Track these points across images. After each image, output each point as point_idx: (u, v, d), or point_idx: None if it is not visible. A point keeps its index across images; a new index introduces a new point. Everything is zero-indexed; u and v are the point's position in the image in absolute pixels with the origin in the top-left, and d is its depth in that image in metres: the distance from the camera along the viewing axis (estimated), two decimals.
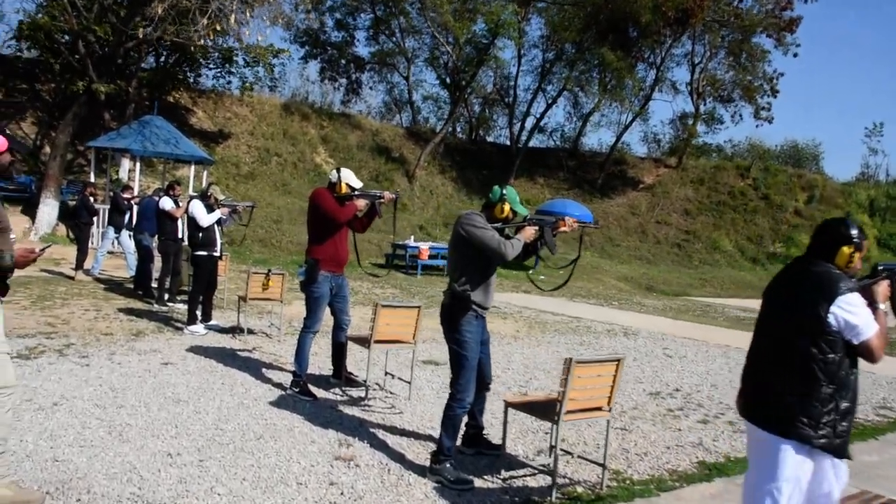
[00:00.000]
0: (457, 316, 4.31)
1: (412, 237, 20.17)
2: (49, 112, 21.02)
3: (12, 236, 3.45)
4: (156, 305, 9.96)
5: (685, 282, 25.50)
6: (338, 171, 5.83)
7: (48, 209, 16.94)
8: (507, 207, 4.45)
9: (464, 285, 4.32)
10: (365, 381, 6.06)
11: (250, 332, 8.49)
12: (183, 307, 9.54)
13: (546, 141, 37.55)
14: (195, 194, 8.67)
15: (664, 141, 40.39)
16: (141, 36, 16.16)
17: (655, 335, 11.71)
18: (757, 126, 66.56)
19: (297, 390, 5.78)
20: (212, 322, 8.60)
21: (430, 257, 18.77)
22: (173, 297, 10.22)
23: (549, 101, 33.56)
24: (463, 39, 29.05)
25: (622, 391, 7.24)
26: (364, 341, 5.83)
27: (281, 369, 6.77)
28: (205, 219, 8.10)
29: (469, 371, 4.31)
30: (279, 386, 6.08)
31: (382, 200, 5.86)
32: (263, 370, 6.65)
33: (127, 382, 5.76)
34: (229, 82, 24.65)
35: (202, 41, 17.16)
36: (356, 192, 5.80)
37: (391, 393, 6.25)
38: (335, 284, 5.87)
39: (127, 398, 5.31)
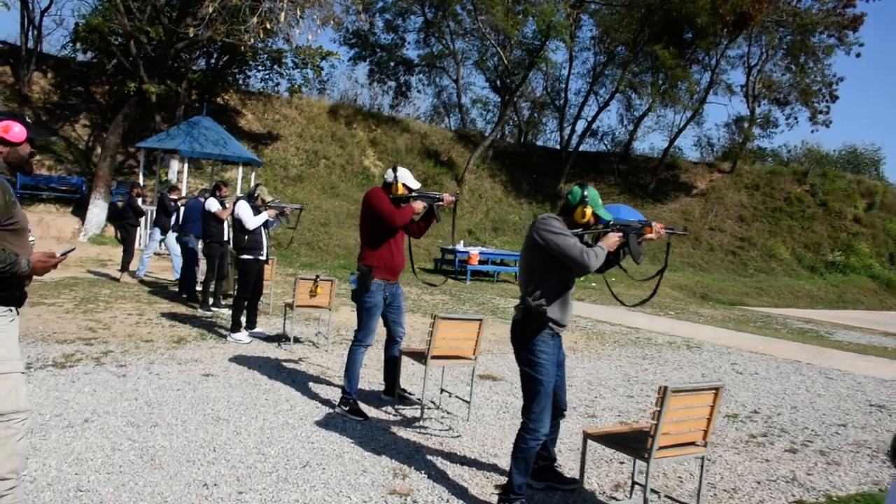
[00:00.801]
0: (531, 334, 3.78)
1: (462, 242, 19.66)
2: (102, 114, 21.12)
3: (31, 239, 3.02)
4: (200, 310, 9.63)
5: (741, 290, 24.57)
6: (394, 170, 5.33)
7: (97, 210, 16.91)
8: (588, 211, 3.88)
9: (539, 299, 3.78)
10: (420, 400, 5.55)
11: (296, 340, 8.06)
12: (227, 312, 9.18)
13: (597, 145, 36.78)
14: (242, 195, 8.27)
15: (718, 145, 39.30)
16: (191, 35, 15.99)
17: (719, 348, 11.00)
18: (813, 131, 64.40)
19: (346, 409, 5.29)
20: (256, 329, 8.20)
21: (481, 263, 18.26)
22: (218, 301, 9.88)
23: (602, 104, 32.78)
24: (514, 41, 28.53)
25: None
26: (420, 356, 5.32)
27: (329, 383, 6.30)
28: (251, 221, 7.70)
29: (544, 398, 3.77)
30: (327, 403, 5.61)
31: (442, 203, 5.35)
32: (310, 384, 6.19)
33: (164, 396, 5.35)
34: (278, 84, 24.59)
35: (252, 41, 16.94)
36: (414, 194, 5.30)
37: (447, 413, 5.72)
38: (389, 294, 5.37)
39: (163, 415, 4.89)
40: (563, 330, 3.93)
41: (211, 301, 9.77)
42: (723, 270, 28.14)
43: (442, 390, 6.05)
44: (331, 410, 5.37)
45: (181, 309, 9.69)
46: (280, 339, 8.14)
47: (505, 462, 4.64)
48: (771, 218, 31.67)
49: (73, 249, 3.31)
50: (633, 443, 3.69)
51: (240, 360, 6.87)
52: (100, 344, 6.99)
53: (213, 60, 23.37)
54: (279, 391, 5.82)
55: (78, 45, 21.89)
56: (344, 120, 27.42)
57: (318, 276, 7.57)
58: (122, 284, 11.42)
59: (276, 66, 23.42)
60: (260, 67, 23.85)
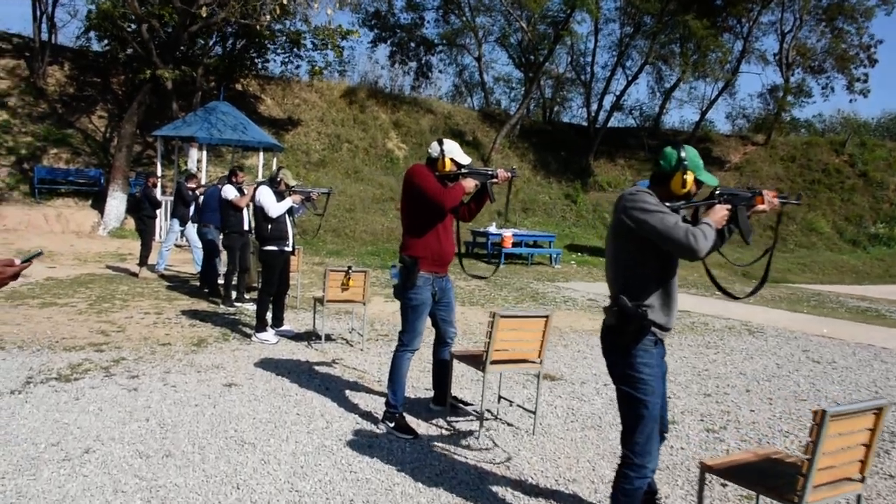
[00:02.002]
0: (629, 344, 2.95)
1: (494, 224, 18.79)
2: (119, 104, 20.49)
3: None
4: (222, 306, 8.91)
5: (783, 267, 23.52)
6: (440, 143, 4.49)
7: (116, 202, 16.29)
8: (689, 178, 3.02)
9: (636, 298, 2.95)
10: (478, 412, 4.76)
11: (328, 338, 7.28)
12: (252, 308, 8.46)
13: (625, 120, 35.58)
14: (263, 180, 7.45)
15: (752, 116, 37.89)
16: (204, 15, 15.20)
17: (783, 332, 10.11)
18: (851, 101, 62.29)
19: (392, 426, 4.50)
20: (284, 327, 7.44)
21: (514, 245, 17.38)
22: (241, 296, 9.16)
23: (630, 77, 31.58)
24: (538, 14, 27.48)
25: (790, 415, 5.76)
26: (476, 361, 4.52)
27: (368, 390, 5.52)
28: (274, 208, 6.90)
29: (650, 422, 2.95)
30: (368, 416, 4.83)
31: (496, 180, 4.51)
32: (347, 393, 5.41)
33: (180, 415, 4.60)
34: (298, 67, 23.87)
35: (268, 18, 16.13)
36: (464, 170, 4.48)
37: (508, 424, 4.92)
38: (438, 288, 4.55)
39: (178, 440, 4.14)
40: (668, 334, 3.11)
41: (234, 295, 9.05)
42: (762, 246, 26.96)
43: (500, 398, 5.25)
44: (373, 428, 4.59)
45: (202, 305, 8.98)
46: (310, 337, 7.38)
47: (586, 489, 3.84)
48: (809, 190, 30.47)
49: (39, 254, 2.56)
50: (770, 478, 2.86)
51: (266, 364, 6.11)
52: (112, 350, 6.27)
53: (229, 45, 22.63)
54: (312, 403, 5.04)
55: (92, 35, 21.36)
56: (365, 102, 26.60)
57: (349, 268, 6.76)
58: (141, 280, 10.76)
59: (294, 49, 22.63)
60: (279, 51, 23.08)
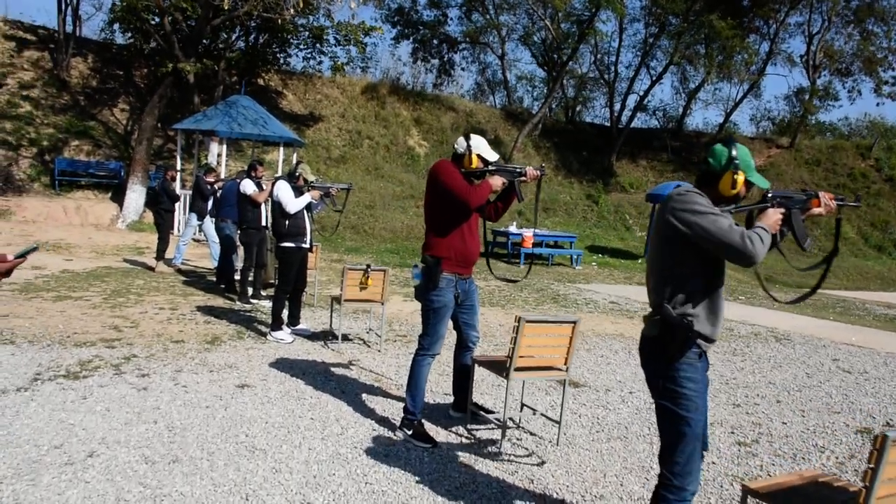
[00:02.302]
0: (673, 356, 2.73)
1: (514, 223, 18.55)
2: (140, 97, 20.47)
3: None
4: (238, 303, 8.76)
5: (807, 272, 23.08)
6: (466, 138, 4.28)
7: (135, 196, 16.23)
8: (740, 179, 2.84)
9: (682, 307, 2.73)
10: (500, 420, 4.55)
11: (345, 338, 7.10)
12: (267, 305, 8.31)
13: (648, 120, 35.15)
14: (281, 175, 7.26)
15: (777, 118, 37.33)
16: (226, 7, 15.09)
17: (811, 339, 9.81)
18: (878, 104, 61.25)
19: (410, 433, 4.29)
20: (300, 326, 7.27)
21: (534, 245, 17.14)
22: (257, 293, 9.01)
23: (654, 78, 31.16)
24: (562, 13, 27.18)
25: (825, 428, 5.49)
26: (499, 368, 4.30)
27: (385, 394, 5.32)
28: (292, 204, 6.73)
29: (692, 441, 2.73)
30: (385, 422, 4.63)
31: (524, 179, 4.29)
32: (363, 396, 5.21)
33: (190, 417, 4.42)
34: (320, 62, 23.69)
35: (291, 12, 15.99)
36: (491, 168, 4.26)
37: (531, 433, 4.70)
38: (461, 290, 4.34)
39: (186, 444, 3.96)
40: (712, 346, 2.88)
41: (250, 292, 8.91)
42: (785, 250, 26.69)
43: (522, 405, 5.03)
44: (390, 434, 4.39)
45: (218, 301, 8.84)
46: (326, 336, 7.20)
47: None
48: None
49: (34, 249, 2.39)
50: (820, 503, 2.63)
51: (281, 364, 5.94)
52: (123, 346, 6.12)
53: (251, 39, 22.57)
54: (327, 407, 4.85)
55: (116, 28, 21.37)
56: (387, 99, 26.43)
57: (368, 267, 6.56)
58: (157, 274, 10.65)
59: (317, 44, 22.51)
60: (301, 46, 22.97)
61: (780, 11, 29.37)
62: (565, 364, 4.32)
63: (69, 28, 20.70)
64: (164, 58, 17.05)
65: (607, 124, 32.87)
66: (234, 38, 21.88)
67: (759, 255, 2.65)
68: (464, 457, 4.14)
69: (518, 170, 4.28)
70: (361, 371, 5.98)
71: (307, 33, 22.23)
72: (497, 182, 4.20)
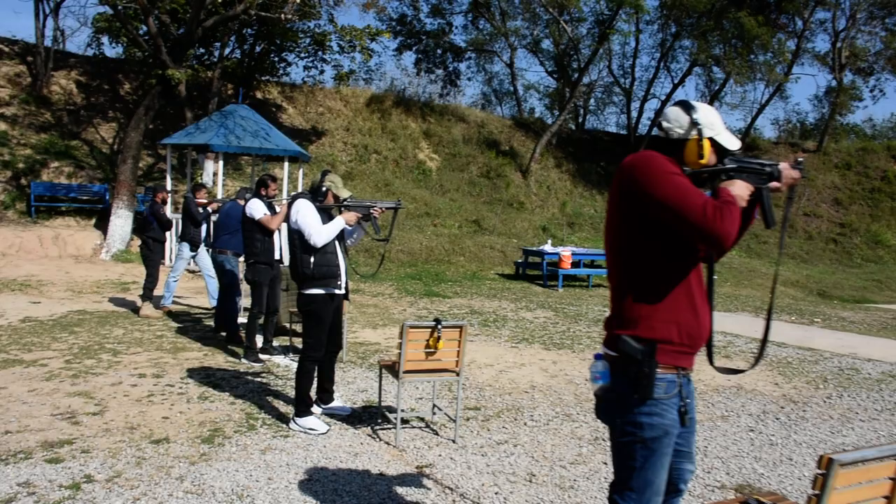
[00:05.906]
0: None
1: (549, 242, 16.52)
2: (128, 113, 18.52)
3: None
4: (244, 360, 6.70)
5: (857, 284, 21.29)
6: (687, 109, 2.28)
7: (121, 222, 14.18)
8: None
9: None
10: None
11: (404, 422, 5.00)
12: (283, 361, 6.29)
13: None
14: (301, 192, 5.10)
15: (801, 120, 35.58)
16: (220, 1, 13.14)
17: None
18: None
19: None
20: (335, 404, 5.19)
21: (573, 265, 15.11)
22: (269, 344, 6.99)
23: (676, 81, 29.32)
24: (577, 14, 25.47)
25: None
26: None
27: None
28: (320, 232, 4.68)
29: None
30: None
31: (777, 186, 2.29)
32: None
33: None
34: (322, 71, 21.77)
35: (290, 15, 14.06)
36: (729, 164, 2.26)
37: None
38: (686, 397, 2.30)
39: None
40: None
41: (259, 343, 6.88)
42: (826, 261, 24.96)
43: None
44: None
45: (218, 359, 6.78)
46: (373, 417, 5.12)
47: None
48: (870, 200, 28.35)
49: None
50: None
51: (317, 483, 3.88)
52: (75, 458, 4.05)
53: (247, 46, 20.68)
54: None
55: (102, 39, 19.58)
56: (392, 111, 24.52)
57: (438, 322, 4.46)
58: (142, 319, 8.61)
59: (319, 52, 20.61)
60: (302, 54, 21.07)
61: (808, 6, 27.68)
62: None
63: (48, 41, 18.82)
64: (151, 66, 15.08)
65: (624, 132, 31.07)
66: (229, 45, 19.99)
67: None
68: None
69: (768, 167, 2.29)
70: (436, 486, 3.90)
71: (308, 40, 20.37)
72: (745, 191, 2.19)
